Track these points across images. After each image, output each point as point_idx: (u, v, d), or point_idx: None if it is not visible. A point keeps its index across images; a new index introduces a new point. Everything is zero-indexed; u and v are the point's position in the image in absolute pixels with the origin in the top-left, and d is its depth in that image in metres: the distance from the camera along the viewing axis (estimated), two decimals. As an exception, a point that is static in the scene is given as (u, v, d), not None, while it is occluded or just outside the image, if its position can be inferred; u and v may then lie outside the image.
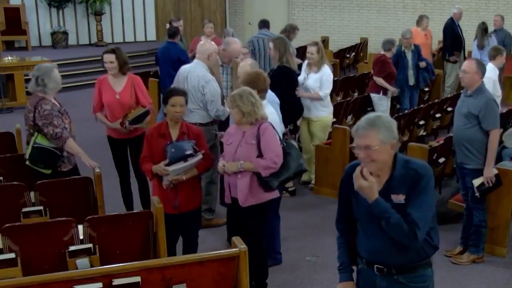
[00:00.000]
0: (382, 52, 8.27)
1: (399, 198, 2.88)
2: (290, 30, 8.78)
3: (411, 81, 8.74)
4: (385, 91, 8.13)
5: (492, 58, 6.95)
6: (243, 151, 4.34)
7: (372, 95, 8.26)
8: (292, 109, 6.35)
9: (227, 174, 4.43)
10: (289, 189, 6.75)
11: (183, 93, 4.60)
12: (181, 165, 4.39)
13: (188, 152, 4.41)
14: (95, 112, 5.80)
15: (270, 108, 4.83)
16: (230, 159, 4.39)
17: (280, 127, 4.97)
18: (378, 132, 2.85)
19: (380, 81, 8.11)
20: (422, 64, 8.77)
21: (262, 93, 4.72)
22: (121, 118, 5.58)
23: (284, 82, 6.18)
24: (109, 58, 5.56)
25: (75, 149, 5.05)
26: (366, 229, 3.02)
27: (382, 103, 8.18)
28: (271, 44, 6.65)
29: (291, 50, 6.56)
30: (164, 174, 4.43)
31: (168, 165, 4.40)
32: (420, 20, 10.48)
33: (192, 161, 4.41)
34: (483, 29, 9.89)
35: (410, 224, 2.81)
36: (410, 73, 8.72)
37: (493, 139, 4.91)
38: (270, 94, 5.10)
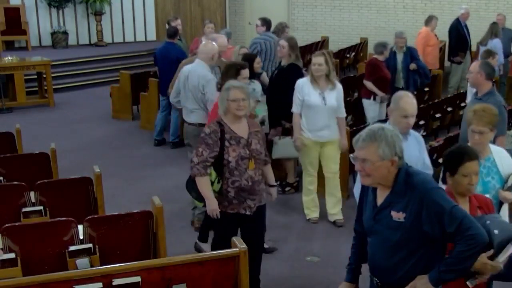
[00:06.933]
0: (374, 56, 8.10)
1: (399, 216, 2.75)
2: (280, 29, 8.77)
3: (400, 84, 8.51)
4: (375, 96, 7.90)
5: None
6: None
7: (363, 100, 8.04)
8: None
9: None
10: (294, 184, 6.76)
11: (476, 156, 3.22)
12: (510, 249, 3.00)
13: None
14: None
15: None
16: None
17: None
18: (378, 147, 2.70)
19: (369, 85, 7.90)
20: (412, 66, 8.56)
21: None
22: None
23: (292, 79, 6.05)
24: None
25: (201, 188, 4.23)
26: (369, 238, 2.98)
27: (371, 109, 7.93)
28: (285, 43, 6.53)
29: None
30: (493, 271, 3.00)
31: (494, 255, 2.98)
32: (429, 20, 10.30)
33: None
34: (493, 30, 9.79)
35: (465, 240, 2.64)
36: (400, 75, 8.54)
37: (499, 145, 4.89)
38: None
